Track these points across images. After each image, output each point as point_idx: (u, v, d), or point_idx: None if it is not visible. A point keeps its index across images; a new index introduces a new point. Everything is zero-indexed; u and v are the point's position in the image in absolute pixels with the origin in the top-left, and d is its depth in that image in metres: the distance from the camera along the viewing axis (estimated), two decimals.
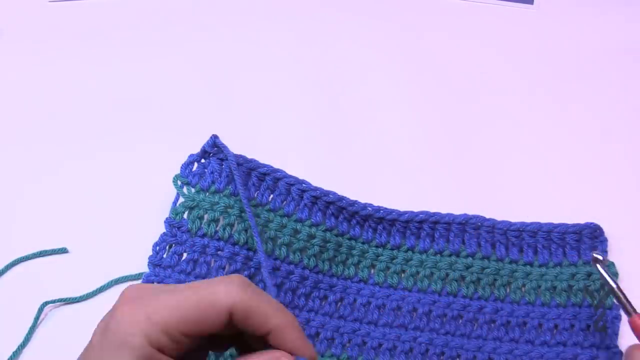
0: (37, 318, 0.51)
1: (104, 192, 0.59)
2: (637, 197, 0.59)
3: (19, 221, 0.58)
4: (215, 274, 0.53)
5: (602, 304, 0.52)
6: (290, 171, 0.55)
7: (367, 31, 0.73)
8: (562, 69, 0.69)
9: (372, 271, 0.55)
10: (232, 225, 0.53)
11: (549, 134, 0.64)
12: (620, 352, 0.50)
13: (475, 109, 0.66)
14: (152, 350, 0.34)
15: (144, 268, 0.52)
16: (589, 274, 0.53)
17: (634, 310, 0.47)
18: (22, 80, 0.69)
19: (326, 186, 0.55)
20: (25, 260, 0.55)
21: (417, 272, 0.54)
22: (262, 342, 0.37)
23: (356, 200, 0.55)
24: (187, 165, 0.55)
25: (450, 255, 0.54)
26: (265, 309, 0.36)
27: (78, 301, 0.53)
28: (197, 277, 0.52)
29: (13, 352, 0.50)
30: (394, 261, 0.55)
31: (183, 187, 0.54)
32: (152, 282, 0.52)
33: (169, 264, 0.52)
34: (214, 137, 0.54)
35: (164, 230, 0.53)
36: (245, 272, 0.53)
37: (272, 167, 0.55)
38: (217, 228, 0.53)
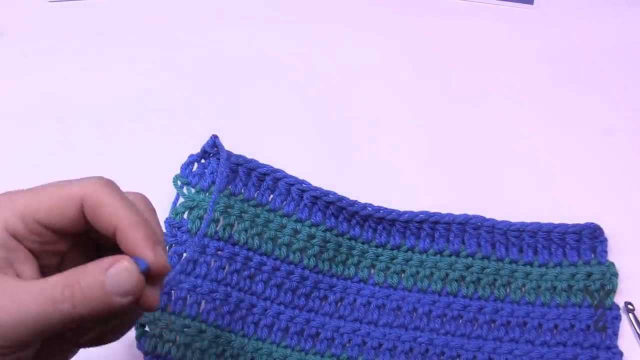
0: None
1: None
2: (636, 197, 0.59)
3: None
4: (215, 274, 0.53)
5: (602, 304, 0.52)
6: (290, 171, 0.55)
7: (366, 31, 0.73)
8: (562, 68, 0.69)
9: (372, 271, 0.55)
10: (232, 225, 0.53)
11: (549, 133, 0.64)
12: (621, 353, 0.50)
13: (475, 109, 0.66)
14: (7, 235, 0.34)
15: None
16: (589, 274, 0.53)
17: None
18: (22, 80, 0.69)
19: (326, 186, 0.55)
20: None
21: (417, 272, 0.54)
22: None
23: (356, 200, 0.55)
24: (187, 165, 0.55)
25: (450, 255, 0.54)
26: (116, 206, 0.34)
27: None
28: (196, 278, 0.52)
29: None
30: (394, 261, 0.55)
31: (183, 188, 0.54)
32: None
33: (169, 264, 0.52)
34: (214, 137, 0.54)
35: (164, 230, 0.53)
36: (245, 272, 0.53)
37: (272, 167, 0.55)
38: (217, 228, 0.53)
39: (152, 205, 0.38)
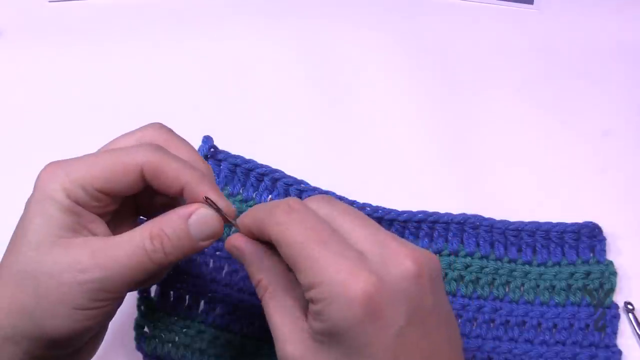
0: None
1: None
2: (636, 196, 0.59)
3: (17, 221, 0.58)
4: (214, 274, 0.53)
5: (601, 303, 0.52)
6: (289, 171, 0.55)
7: (366, 32, 0.73)
8: (562, 68, 0.69)
9: None
10: (231, 226, 0.53)
11: (549, 133, 0.64)
12: (620, 351, 0.50)
13: (474, 109, 0.66)
14: (72, 203, 0.37)
15: None
16: (588, 273, 0.53)
17: None
18: (22, 80, 0.69)
19: (324, 186, 0.55)
20: None
21: None
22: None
23: (355, 200, 0.55)
24: None
25: (449, 255, 0.54)
26: (176, 167, 0.38)
27: None
28: (195, 278, 0.52)
29: None
30: None
31: None
32: None
33: None
34: (207, 138, 0.54)
35: None
36: (244, 273, 0.53)
37: (270, 167, 0.55)
38: None
39: (189, 145, 0.42)
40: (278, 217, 0.36)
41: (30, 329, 0.36)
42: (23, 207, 0.58)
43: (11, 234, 0.57)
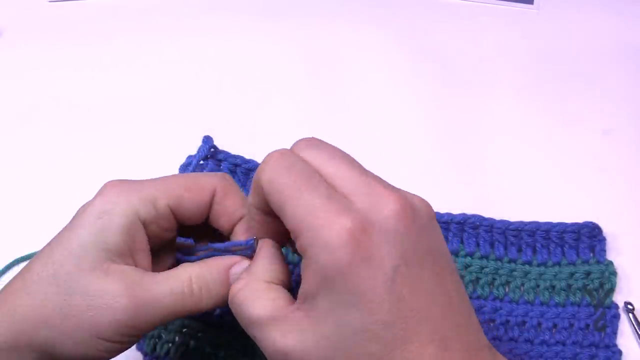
0: None
1: None
2: (635, 196, 0.59)
3: (19, 221, 0.58)
4: None
5: (601, 303, 0.52)
6: None
7: (366, 32, 0.73)
8: (562, 68, 0.69)
9: None
10: None
11: (549, 133, 0.64)
12: (620, 351, 0.50)
13: (474, 109, 0.66)
14: (134, 221, 0.37)
15: None
16: (588, 273, 0.53)
17: None
18: (22, 80, 0.69)
19: None
20: (25, 260, 0.55)
21: None
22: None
23: None
24: (185, 166, 0.55)
25: None
26: (242, 196, 0.40)
27: None
28: None
29: None
30: None
31: None
32: None
33: None
34: (207, 138, 0.54)
35: None
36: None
37: None
38: None
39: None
40: (266, 172, 0.35)
41: (40, 343, 0.35)
42: (23, 207, 0.59)
43: (10, 235, 0.57)
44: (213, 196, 0.39)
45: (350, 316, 0.31)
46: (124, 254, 0.37)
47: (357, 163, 0.37)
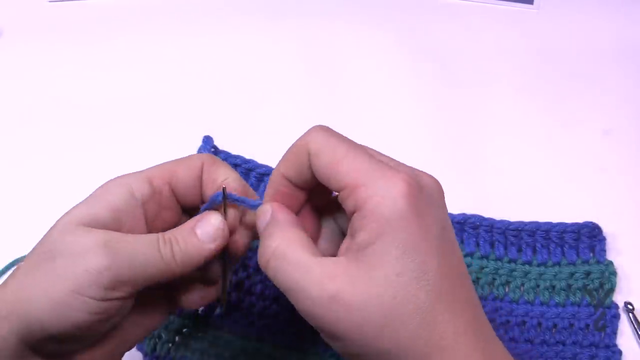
0: None
1: None
2: (635, 196, 0.59)
3: (18, 221, 0.58)
4: None
5: (601, 303, 0.52)
6: None
7: (366, 32, 0.73)
8: (562, 68, 0.69)
9: None
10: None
11: (549, 133, 0.64)
12: (620, 351, 0.50)
13: (474, 109, 0.66)
14: (131, 197, 0.39)
15: None
16: (588, 273, 0.53)
17: None
18: (22, 80, 0.69)
19: None
20: None
21: None
22: None
23: None
24: None
25: None
26: (226, 165, 0.42)
27: None
28: None
29: None
30: None
31: None
32: None
33: None
34: (207, 138, 0.54)
35: None
36: (244, 273, 0.53)
37: (270, 167, 0.55)
38: None
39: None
40: (315, 136, 0.37)
41: (28, 311, 0.35)
42: (23, 206, 0.59)
43: (10, 235, 0.57)
44: (201, 169, 0.41)
45: (404, 263, 0.33)
46: (112, 229, 0.38)
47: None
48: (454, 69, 0.69)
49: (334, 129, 0.37)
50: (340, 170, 0.35)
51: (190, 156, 0.43)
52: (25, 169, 0.62)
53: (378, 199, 0.34)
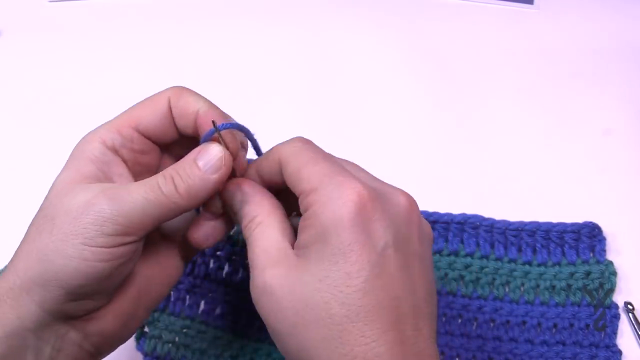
0: None
1: None
2: (636, 196, 0.59)
3: (18, 221, 0.58)
4: (214, 274, 0.53)
5: (601, 303, 0.52)
6: None
7: (366, 32, 0.73)
8: (562, 68, 0.69)
9: None
10: None
11: (549, 133, 0.64)
12: (620, 351, 0.50)
13: (474, 109, 0.66)
14: (104, 150, 0.40)
15: None
16: (588, 273, 0.53)
17: None
18: (22, 80, 0.69)
19: None
20: None
21: None
22: None
23: None
24: None
25: (449, 255, 0.54)
26: (196, 95, 0.41)
27: None
28: (195, 278, 0.52)
29: None
30: None
31: None
32: None
33: None
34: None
35: None
36: (244, 273, 0.53)
37: None
38: None
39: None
40: (288, 145, 0.39)
41: (41, 272, 0.36)
42: (23, 203, 0.59)
43: (10, 235, 0.57)
44: (169, 104, 0.40)
45: (331, 271, 0.33)
46: (102, 180, 0.39)
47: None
48: (454, 69, 0.69)
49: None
50: (302, 176, 0.36)
51: (154, 95, 0.42)
52: (24, 168, 0.62)
53: (322, 203, 0.34)
